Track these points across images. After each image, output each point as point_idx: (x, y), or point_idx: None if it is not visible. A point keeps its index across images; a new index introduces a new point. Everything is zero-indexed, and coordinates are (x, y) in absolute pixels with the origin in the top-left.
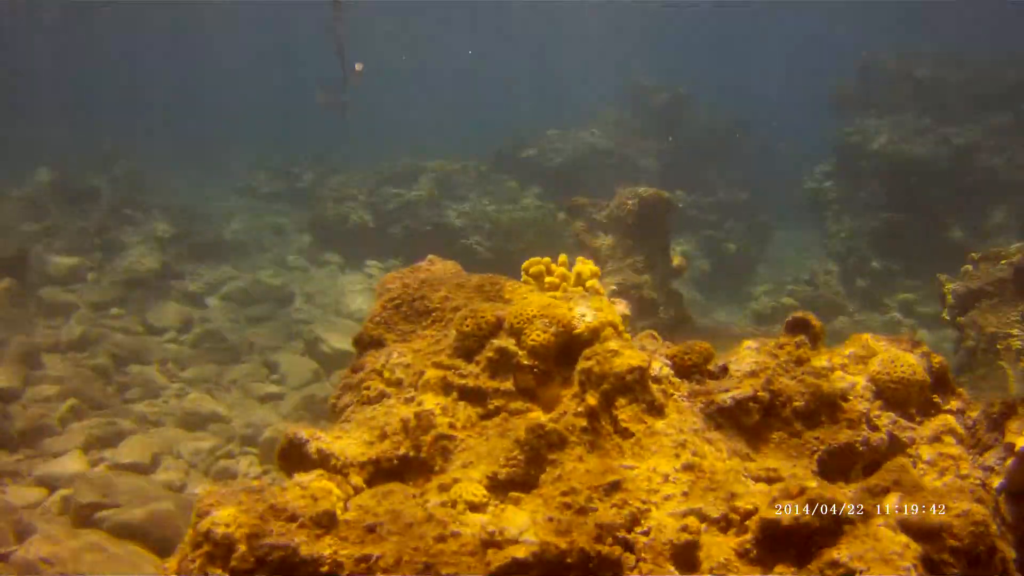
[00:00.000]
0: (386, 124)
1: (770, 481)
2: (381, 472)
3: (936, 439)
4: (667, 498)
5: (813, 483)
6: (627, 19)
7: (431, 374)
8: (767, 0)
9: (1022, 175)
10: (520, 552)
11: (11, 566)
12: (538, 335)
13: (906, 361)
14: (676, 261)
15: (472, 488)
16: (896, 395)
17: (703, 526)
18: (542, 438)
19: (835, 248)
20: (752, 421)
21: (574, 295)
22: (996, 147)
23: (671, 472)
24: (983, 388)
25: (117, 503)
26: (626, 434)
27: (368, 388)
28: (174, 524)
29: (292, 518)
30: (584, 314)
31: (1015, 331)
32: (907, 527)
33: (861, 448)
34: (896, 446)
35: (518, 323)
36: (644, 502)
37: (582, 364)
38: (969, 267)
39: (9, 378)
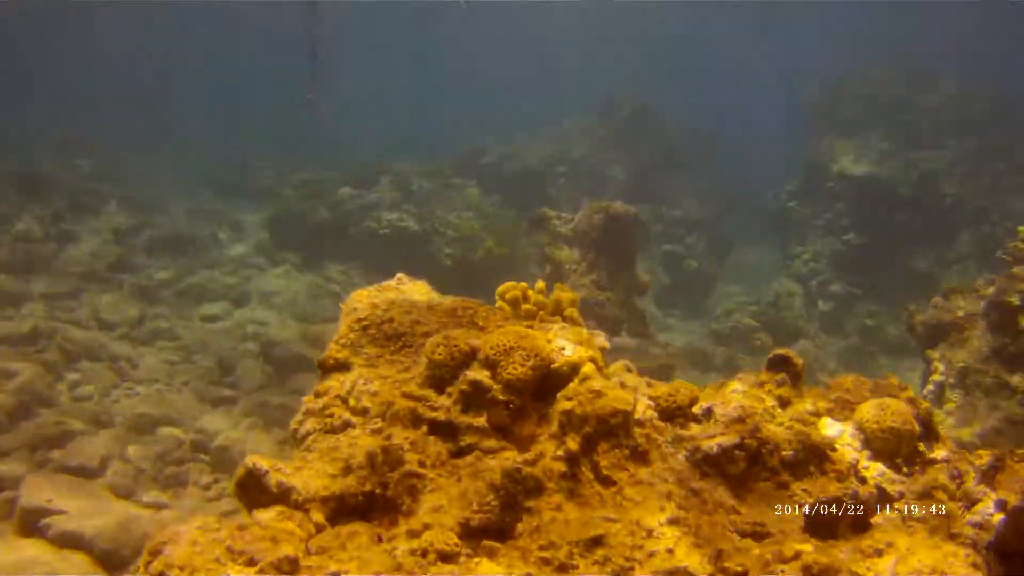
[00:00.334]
0: (352, 125)
1: (757, 536)
2: (345, 509)
3: (926, 495)
4: (651, 555)
5: (808, 547)
6: (598, 27)
7: (400, 405)
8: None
9: (986, 202)
10: None
11: None
12: (515, 368)
13: (896, 410)
14: (641, 278)
15: (444, 536)
16: (885, 445)
17: None
18: (519, 483)
19: (798, 269)
20: (738, 469)
21: (552, 325)
22: (963, 173)
23: (656, 526)
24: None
25: (63, 509)
26: (608, 482)
27: (332, 415)
28: (122, 536)
29: (251, 562)
30: (564, 347)
31: (985, 367)
32: None
33: (850, 502)
34: (884, 500)
35: (494, 354)
36: (628, 559)
37: (563, 404)
38: (939, 299)
39: None
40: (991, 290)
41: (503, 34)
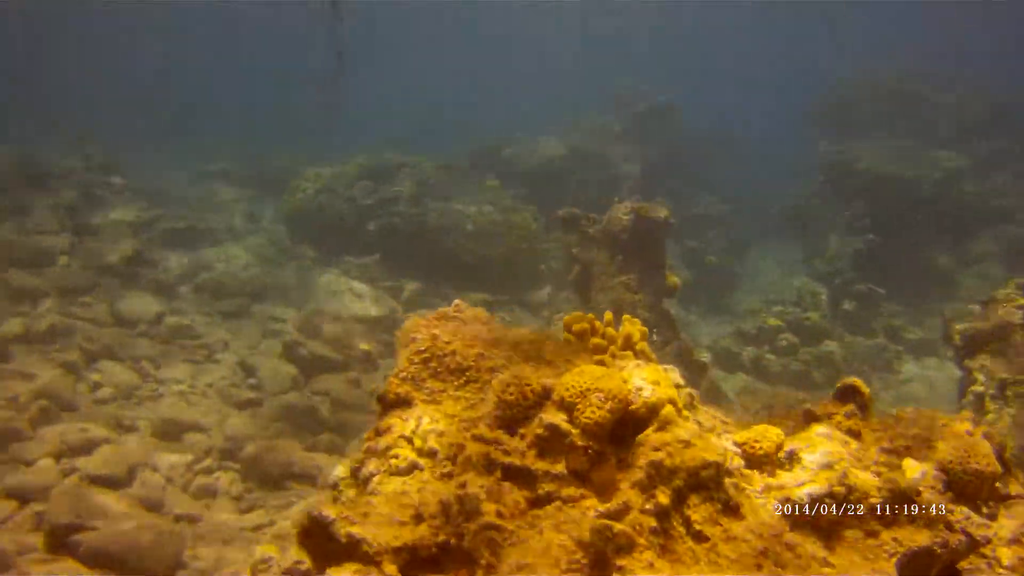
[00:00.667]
0: (365, 117)
1: None
2: (417, 560)
3: (1016, 541)
4: None
5: None
6: (612, 24)
7: (473, 449)
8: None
9: (1008, 202)
10: None
11: None
12: (593, 412)
13: (981, 452)
14: (670, 280)
15: None
16: (968, 488)
17: None
18: (609, 540)
19: (820, 268)
20: (827, 519)
21: (626, 362)
22: (984, 173)
23: None
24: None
25: (93, 525)
26: (700, 537)
27: (396, 457)
28: (156, 554)
29: None
30: (641, 388)
31: None
32: None
33: (940, 551)
34: (973, 547)
35: (570, 397)
36: None
37: (652, 455)
38: (977, 308)
39: None
40: None
41: (510, 32)
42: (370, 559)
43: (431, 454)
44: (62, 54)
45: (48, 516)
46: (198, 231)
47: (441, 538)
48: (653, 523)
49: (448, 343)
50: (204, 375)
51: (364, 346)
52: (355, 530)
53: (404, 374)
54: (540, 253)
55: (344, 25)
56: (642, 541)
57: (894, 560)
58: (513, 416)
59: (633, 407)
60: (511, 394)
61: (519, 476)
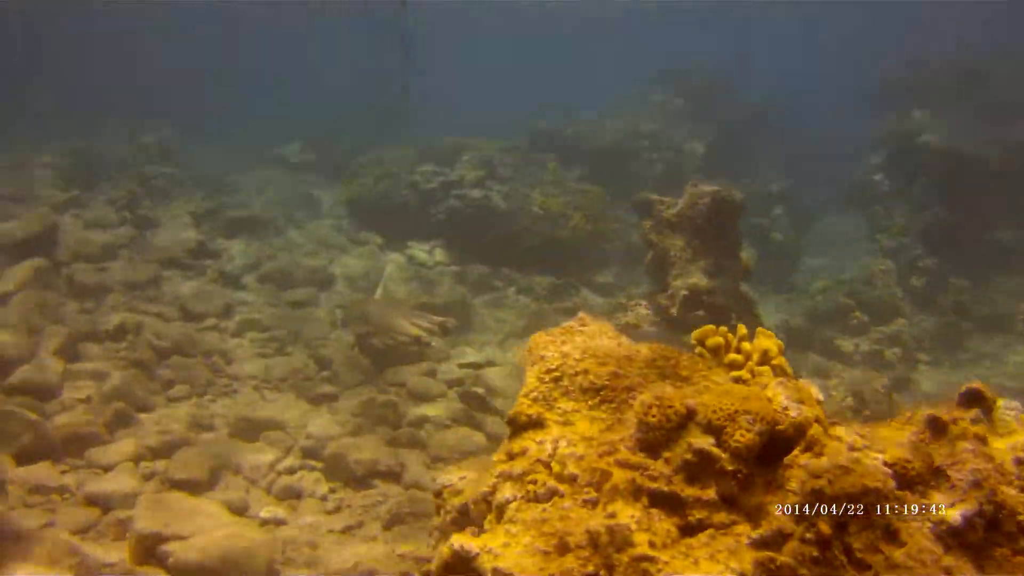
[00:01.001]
0: (427, 105)
1: None
2: None
3: None
4: None
5: None
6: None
7: (619, 476)
8: None
9: None
10: None
11: None
12: (742, 436)
13: None
14: (746, 263)
15: None
16: None
17: None
18: (772, 572)
19: (886, 244)
20: (977, 537)
21: (768, 380)
22: None
23: None
24: None
25: (182, 534)
26: (862, 566)
27: (535, 482)
28: (248, 563)
29: None
30: (787, 407)
31: None
32: None
33: None
34: None
35: (718, 420)
36: None
37: (812, 483)
38: None
39: (46, 373)
40: None
41: (575, 12)
42: None
43: (571, 479)
44: (113, 46)
45: (134, 525)
46: (259, 220)
47: (590, 569)
48: (815, 552)
49: (579, 361)
50: (276, 369)
51: (417, 332)
52: (501, 564)
53: (535, 394)
54: (605, 234)
55: (408, 15)
56: (804, 572)
57: None
58: (656, 439)
59: (780, 427)
60: (654, 416)
61: (667, 502)
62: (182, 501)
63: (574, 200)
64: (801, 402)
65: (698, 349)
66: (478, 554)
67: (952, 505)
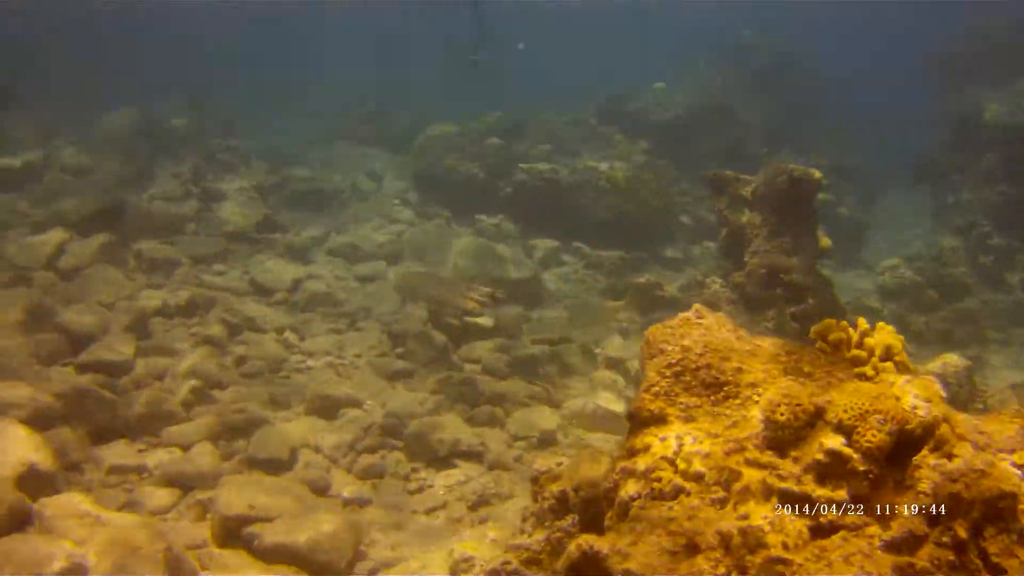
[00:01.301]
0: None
1: None
2: None
3: None
4: None
5: None
6: None
7: (750, 476)
8: None
9: None
10: None
11: None
12: (873, 435)
13: None
14: (823, 241)
15: None
16: None
17: None
18: None
19: (953, 221)
20: None
21: (894, 377)
22: None
23: None
24: None
25: (266, 516)
26: (998, 571)
27: (659, 480)
28: (337, 546)
29: None
30: (916, 406)
31: None
32: None
33: None
34: None
35: (849, 419)
36: None
37: (949, 487)
38: None
39: (118, 350)
40: None
41: None
42: None
43: (697, 477)
44: (180, 22)
45: (218, 507)
46: (324, 192)
47: (721, 571)
48: (951, 557)
49: (700, 355)
50: (350, 345)
51: (469, 304)
52: (631, 565)
53: (656, 389)
54: (672, 208)
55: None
56: None
57: None
58: (784, 438)
59: (909, 427)
60: (783, 415)
61: (797, 503)
62: (265, 482)
63: (641, 174)
64: (929, 400)
65: (819, 344)
66: (608, 555)
67: None
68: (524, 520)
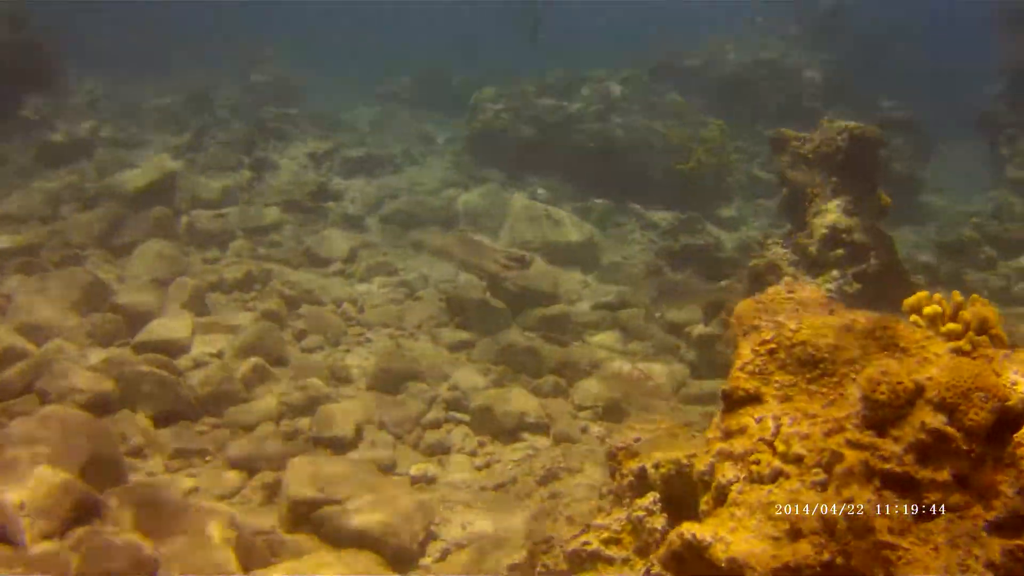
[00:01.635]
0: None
1: None
2: None
3: None
4: None
5: None
6: None
7: (852, 457)
8: None
9: None
10: None
11: None
12: (976, 414)
13: None
14: (883, 200)
15: None
16: None
17: None
18: (1020, 561)
19: (1011, 176)
20: None
21: (988, 350)
22: None
23: None
24: None
25: (336, 498)
26: None
27: (758, 463)
28: (409, 528)
29: None
30: (1016, 382)
31: None
32: None
33: None
34: None
35: (951, 397)
36: None
37: None
38: None
39: (175, 328)
40: None
41: None
42: None
43: (796, 460)
44: None
45: (285, 491)
46: (377, 158)
47: (825, 556)
48: None
49: (795, 332)
50: (410, 315)
51: (496, 268)
52: (735, 553)
53: (751, 367)
54: (728, 167)
55: None
56: None
57: None
58: (884, 417)
59: (1010, 403)
60: (883, 393)
61: (899, 484)
62: (333, 463)
63: (696, 133)
64: None
65: (912, 317)
66: (711, 543)
67: None
68: (601, 497)
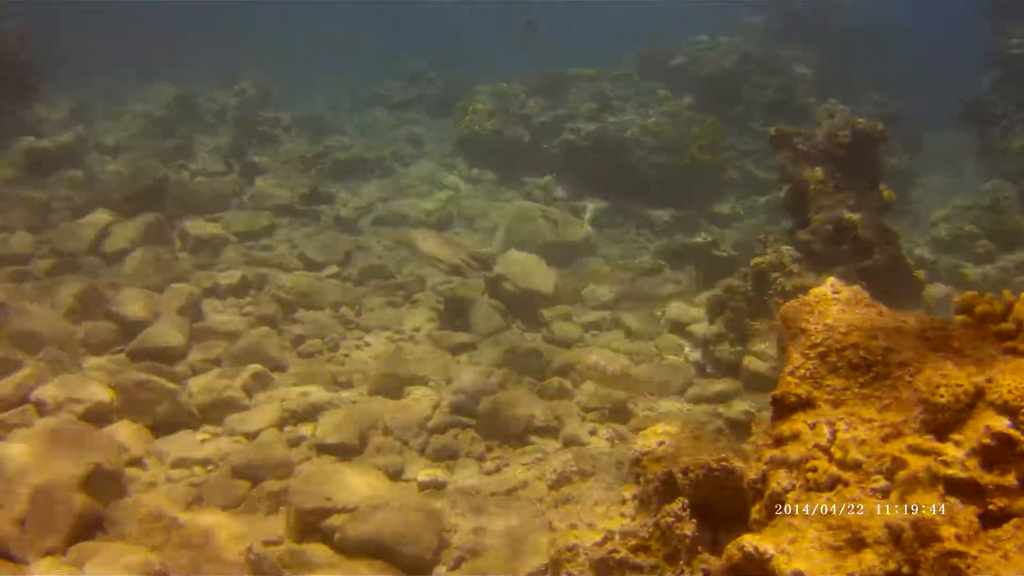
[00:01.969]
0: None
1: None
2: None
3: None
4: None
5: None
6: None
7: (915, 463)
8: None
9: None
10: None
11: None
12: None
13: None
14: (886, 194)
15: None
16: None
17: None
18: None
19: (1006, 168)
20: None
21: None
22: None
23: None
24: None
25: (345, 507)
26: None
27: (814, 470)
28: (423, 536)
29: None
30: None
31: None
32: None
33: None
34: None
35: (1014, 400)
36: None
37: None
38: None
39: (172, 334)
40: None
41: None
42: None
43: (854, 466)
44: None
45: (293, 499)
46: (367, 161)
47: (891, 567)
48: None
49: (845, 334)
50: (408, 319)
51: (459, 262)
52: (800, 566)
53: (801, 372)
54: (722, 164)
55: None
56: None
57: None
58: (944, 421)
59: None
60: (942, 396)
61: (963, 490)
62: (340, 470)
63: (690, 130)
64: None
65: (963, 318)
66: (774, 555)
67: None
68: (623, 503)
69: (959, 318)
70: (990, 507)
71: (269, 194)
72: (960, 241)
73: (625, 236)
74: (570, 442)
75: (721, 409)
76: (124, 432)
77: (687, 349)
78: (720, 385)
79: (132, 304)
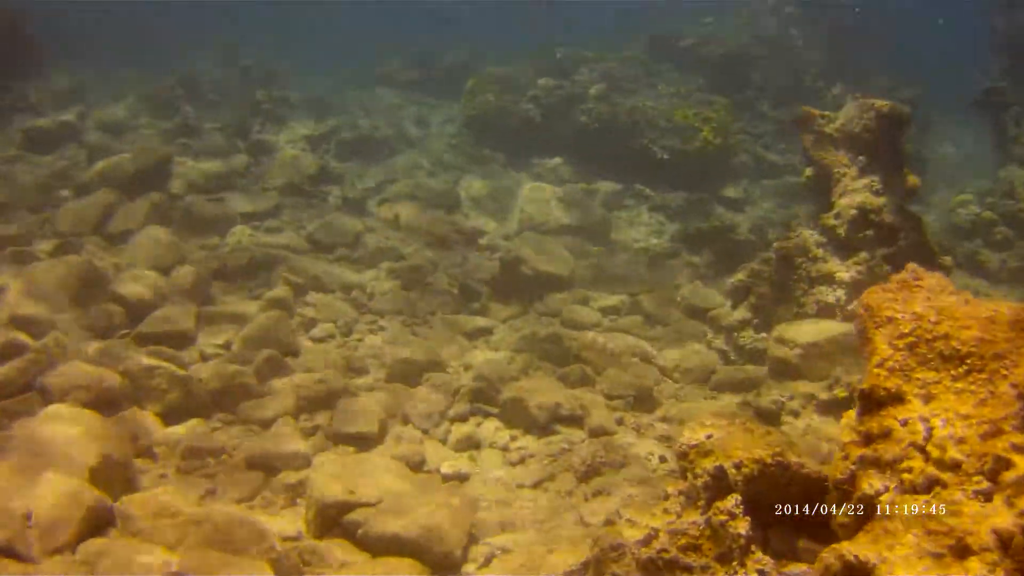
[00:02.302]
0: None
1: None
2: None
3: None
4: None
5: None
6: None
7: (1022, 463)
8: None
9: None
10: None
11: None
12: None
13: None
14: (911, 180)
15: None
16: None
17: None
18: None
19: (1017, 153)
20: None
21: None
22: None
23: None
24: None
25: (369, 501)
26: None
27: (910, 471)
28: (450, 532)
29: None
30: None
31: None
32: None
33: None
34: None
35: None
36: None
37: None
38: None
39: (180, 318)
40: None
41: None
42: None
43: (953, 466)
44: None
45: (313, 493)
46: (374, 141)
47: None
48: None
49: (935, 324)
50: (422, 302)
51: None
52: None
53: (890, 364)
54: (733, 147)
55: None
56: None
57: None
58: None
59: None
60: None
61: None
62: (361, 462)
63: (701, 112)
64: None
65: None
66: (876, 564)
67: None
68: (666, 498)
69: None
70: None
71: (276, 173)
72: (977, 227)
73: (638, 219)
74: (597, 432)
75: (750, 399)
76: (132, 420)
77: (710, 335)
78: (744, 373)
79: (137, 286)
